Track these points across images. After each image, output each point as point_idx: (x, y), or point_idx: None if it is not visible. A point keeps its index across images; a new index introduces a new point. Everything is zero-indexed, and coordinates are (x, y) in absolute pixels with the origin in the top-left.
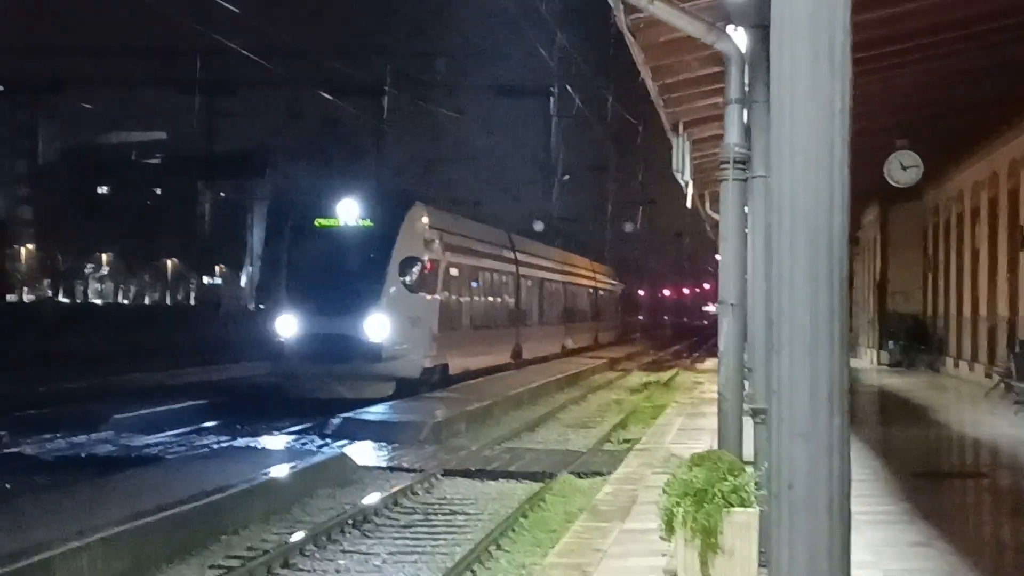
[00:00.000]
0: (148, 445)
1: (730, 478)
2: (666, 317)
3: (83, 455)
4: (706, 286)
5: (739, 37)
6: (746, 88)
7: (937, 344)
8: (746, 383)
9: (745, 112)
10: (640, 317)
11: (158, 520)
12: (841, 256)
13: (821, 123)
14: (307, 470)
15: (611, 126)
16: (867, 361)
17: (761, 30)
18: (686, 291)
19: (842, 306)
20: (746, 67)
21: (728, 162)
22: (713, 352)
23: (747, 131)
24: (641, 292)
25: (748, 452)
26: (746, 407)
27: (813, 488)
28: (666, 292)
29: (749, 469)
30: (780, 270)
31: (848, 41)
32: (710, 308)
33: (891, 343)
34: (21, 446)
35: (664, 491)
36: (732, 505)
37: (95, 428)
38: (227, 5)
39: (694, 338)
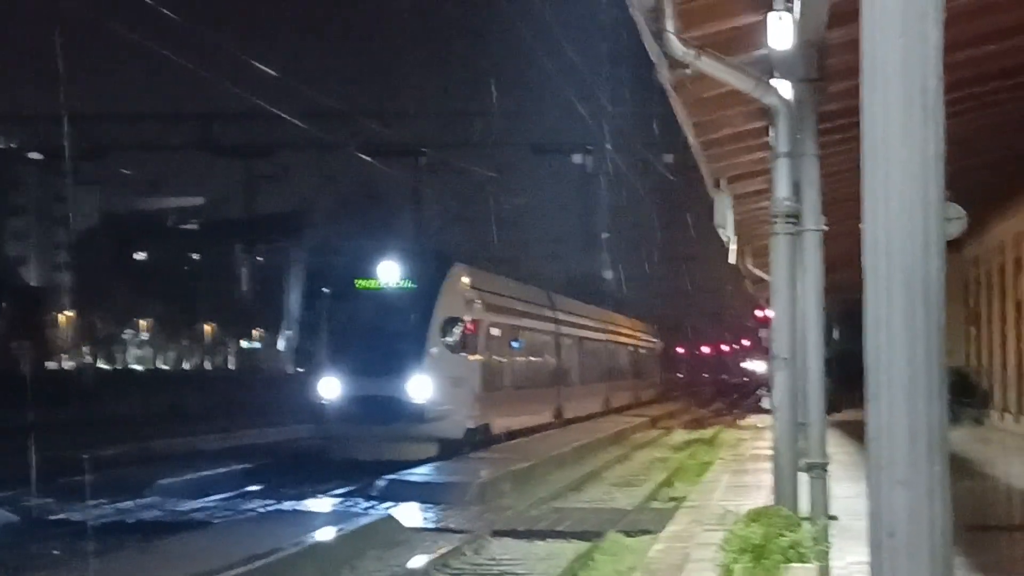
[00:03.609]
0: (195, 510)
1: (787, 533)
2: (706, 374)
3: (130, 520)
4: (745, 342)
5: (784, 90)
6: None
7: (981, 397)
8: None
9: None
10: (680, 374)
11: None
12: (938, 301)
13: (915, 167)
14: (355, 532)
15: (650, 182)
16: None
17: (808, 84)
18: (725, 348)
19: (939, 351)
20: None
21: (778, 216)
22: (754, 409)
23: (795, 185)
24: (680, 349)
25: (804, 507)
26: (801, 462)
27: (915, 536)
28: (705, 349)
29: (806, 524)
30: (876, 316)
31: (941, 84)
32: (748, 365)
33: None
34: (67, 512)
35: (722, 547)
36: (790, 560)
37: (140, 493)
38: (265, 68)
39: (734, 395)
